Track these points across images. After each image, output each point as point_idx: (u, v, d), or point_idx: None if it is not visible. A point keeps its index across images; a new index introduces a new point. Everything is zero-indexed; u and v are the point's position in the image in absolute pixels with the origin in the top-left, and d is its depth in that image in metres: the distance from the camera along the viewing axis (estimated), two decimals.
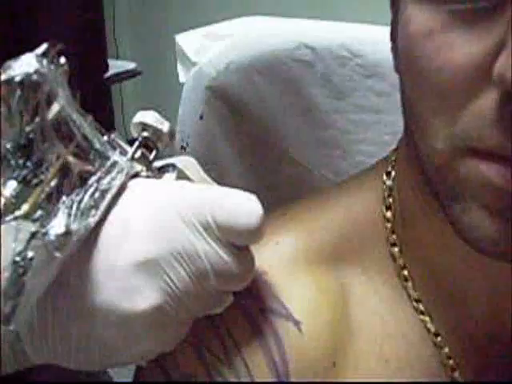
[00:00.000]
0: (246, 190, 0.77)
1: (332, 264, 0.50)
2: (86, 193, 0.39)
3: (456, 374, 0.49)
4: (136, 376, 0.48)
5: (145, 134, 0.46)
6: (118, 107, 2.41)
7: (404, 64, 0.42)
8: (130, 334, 0.41)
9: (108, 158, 0.41)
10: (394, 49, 0.45)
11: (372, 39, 0.75)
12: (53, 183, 0.38)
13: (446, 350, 0.49)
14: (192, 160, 0.49)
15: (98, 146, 0.40)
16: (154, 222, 0.41)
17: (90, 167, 0.39)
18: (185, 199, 0.42)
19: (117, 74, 2.19)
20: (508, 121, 0.36)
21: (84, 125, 0.39)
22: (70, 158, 0.38)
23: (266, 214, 0.52)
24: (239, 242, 0.42)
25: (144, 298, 0.40)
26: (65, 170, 0.38)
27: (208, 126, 0.80)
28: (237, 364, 0.45)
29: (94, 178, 0.40)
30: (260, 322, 0.46)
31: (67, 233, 0.37)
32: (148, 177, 0.46)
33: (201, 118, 0.80)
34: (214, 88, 0.79)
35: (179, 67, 0.81)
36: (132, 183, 0.44)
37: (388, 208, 0.51)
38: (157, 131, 0.46)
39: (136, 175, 0.45)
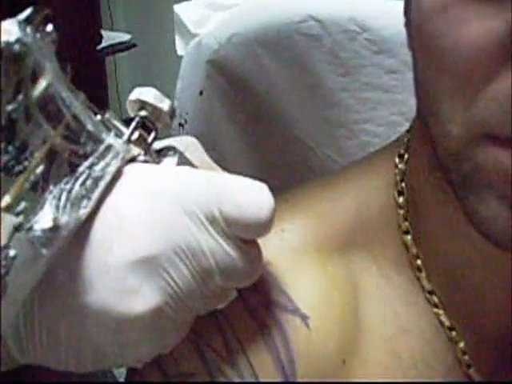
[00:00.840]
0: (247, 169, 0.78)
1: (342, 253, 0.47)
2: (76, 181, 0.34)
3: (471, 370, 0.47)
4: (130, 373, 0.45)
5: (143, 113, 0.41)
6: (112, 83, 2.36)
7: (417, 41, 0.40)
8: (126, 338, 0.38)
9: (102, 141, 0.37)
10: (408, 25, 0.43)
11: (383, 13, 0.72)
12: (38, 170, 0.33)
13: (462, 344, 0.46)
14: (194, 141, 0.45)
15: (90, 127, 0.36)
16: (153, 215, 0.37)
17: (81, 152, 0.34)
18: (188, 188, 0.38)
19: (111, 46, 2.13)
20: None
21: (75, 103, 0.34)
22: (59, 142, 0.33)
23: None
24: (247, 236, 0.39)
25: (141, 300, 0.37)
26: (52, 156, 0.34)
27: (208, 102, 0.78)
28: (240, 362, 0.42)
29: (85, 164, 0.35)
30: (265, 316, 0.43)
31: (55, 227, 0.33)
32: (146, 161, 0.41)
33: (200, 93, 0.78)
34: (215, 62, 0.77)
35: (177, 39, 0.78)
36: (128, 169, 0.39)
37: (400, 193, 0.48)
38: (156, 110, 0.41)
39: (133, 160, 0.40)
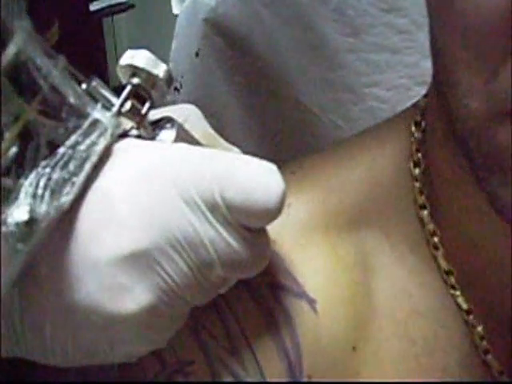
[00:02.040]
0: (246, 137, 0.75)
1: (352, 230, 0.44)
2: (56, 164, 0.29)
3: (489, 357, 0.44)
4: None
5: (135, 80, 0.36)
6: (110, 45, 2.32)
7: (435, 1, 0.37)
8: (117, 337, 0.34)
9: (86, 116, 0.31)
10: None
11: None
12: (11, 153, 0.28)
13: (479, 329, 0.44)
14: (195, 110, 0.40)
15: (72, 99, 0.30)
16: (146, 202, 0.33)
17: (61, 129, 0.29)
18: (186, 171, 0.34)
19: (108, 7, 2.11)
20: None
21: (53, 72, 0.29)
22: (34, 118, 0.28)
23: None
24: (253, 225, 0.35)
25: (133, 298, 0.33)
26: (27, 135, 0.29)
27: (205, 63, 0.74)
28: (241, 350, 0.40)
29: (67, 144, 0.30)
30: (268, 300, 0.41)
31: (32, 220, 0.28)
32: (140, 136, 0.36)
33: (196, 54, 0.75)
34: (212, 20, 0.73)
35: None
36: (119, 147, 0.35)
37: (416, 165, 0.45)
38: (151, 77, 0.36)
39: (124, 134, 0.36)
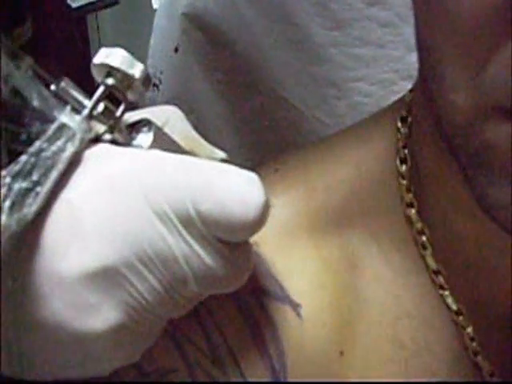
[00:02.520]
0: (227, 134, 0.73)
1: (337, 231, 0.43)
2: (18, 173, 0.27)
3: (479, 359, 0.43)
4: None
5: (110, 81, 0.34)
6: (95, 42, 2.32)
7: None
8: (85, 354, 0.33)
9: (52, 120, 0.29)
10: None
11: None
12: None
13: (469, 330, 0.43)
14: (176, 111, 0.38)
15: (36, 102, 0.28)
16: (116, 215, 0.31)
17: (23, 135, 0.27)
18: (158, 182, 0.32)
19: (91, 4, 2.06)
20: None
21: (14, 73, 0.26)
22: None
23: (254, 169, 0.45)
24: (231, 239, 0.33)
25: (101, 316, 0.31)
26: None
27: (184, 59, 0.73)
28: (224, 358, 0.38)
29: (31, 151, 0.27)
30: (251, 306, 0.39)
31: None
32: (114, 141, 0.34)
33: (176, 50, 0.73)
34: (191, 15, 0.72)
35: None
36: (89, 154, 0.33)
37: (403, 161, 0.44)
38: (126, 77, 0.34)
39: (97, 139, 0.33)
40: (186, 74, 0.73)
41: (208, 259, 0.32)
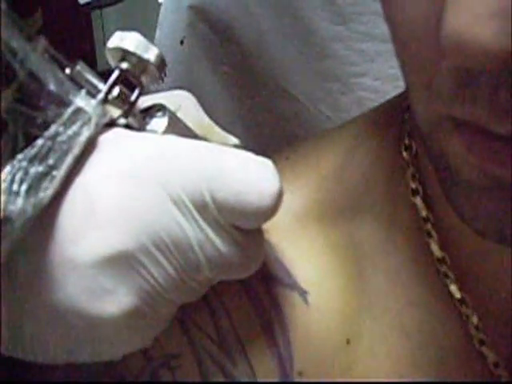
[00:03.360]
0: (233, 126, 0.72)
1: (347, 218, 0.42)
2: (34, 157, 0.26)
3: (484, 348, 0.43)
4: None
5: (124, 65, 0.33)
6: (99, 38, 2.30)
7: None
8: (99, 338, 0.32)
9: (68, 104, 0.28)
10: None
11: None
12: None
13: (474, 319, 0.42)
14: (189, 96, 0.38)
15: (52, 86, 0.27)
16: (132, 200, 0.31)
17: (39, 119, 0.26)
18: (174, 169, 0.31)
19: (96, 1, 2.07)
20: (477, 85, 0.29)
21: (31, 56, 0.26)
22: (10, 107, 0.25)
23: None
24: (246, 226, 0.33)
25: (115, 301, 0.31)
26: (2, 125, 0.26)
27: (190, 52, 0.72)
28: (231, 344, 0.38)
29: (47, 134, 0.27)
30: (259, 292, 0.39)
31: (5, 219, 0.24)
32: (128, 126, 0.33)
33: (181, 43, 0.72)
34: (198, 7, 0.70)
35: None
36: (104, 138, 0.32)
37: (407, 148, 0.43)
38: (141, 61, 0.33)
39: (112, 123, 0.33)
40: (191, 67, 0.72)
41: (222, 246, 0.32)
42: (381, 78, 0.69)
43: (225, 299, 0.38)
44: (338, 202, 0.43)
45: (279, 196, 0.32)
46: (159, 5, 0.74)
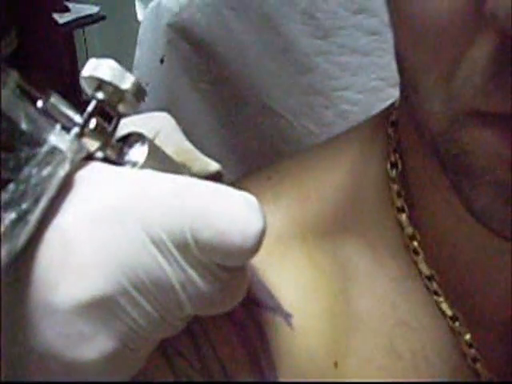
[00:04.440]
0: (216, 145, 0.71)
1: (330, 238, 0.41)
2: (8, 203, 0.24)
3: (478, 365, 0.42)
4: None
5: (100, 95, 0.31)
6: (82, 58, 2.29)
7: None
8: (79, 379, 0.31)
9: (42, 143, 0.26)
10: None
11: None
12: None
13: (467, 336, 0.41)
14: (168, 119, 0.36)
15: (24, 125, 0.25)
16: (110, 242, 0.29)
17: (11, 162, 0.24)
18: (154, 208, 0.30)
19: (79, 19, 2.08)
20: (508, 73, 0.29)
21: (1, 93, 0.24)
22: None
23: (245, 177, 0.44)
24: (228, 264, 0.31)
25: (95, 346, 0.30)
26: None
27: (170, 71, 0.71)
28: (213, 371, 0.37)
29: (20, 178, 0.25)
30: (241, 316, 0.38)
31: None
32: (106, 159, 0.32)
33: (161, 61, 0.72)
34: (177, 25, 0.70)
35: (137, 3, 0.70)
36: (80, 176, 0.30)
37: (393, 166, 0.42)
38: (117, 90, 0.31)
39: (89, 157, 0.31)
40: (172, 85, 0.71)
41: (204, 285, 0.31)
42: (364, 90, 0.69)
43: (207, 325, 0.37)
44: (322, 222, 0.42)
45: (262, 235, 0.31)
46: (139, 23, 0.73)
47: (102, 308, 0.29)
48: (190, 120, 0.70)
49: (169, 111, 0.60)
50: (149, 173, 0.31)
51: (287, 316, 0.38)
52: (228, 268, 0.31)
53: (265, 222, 0.31)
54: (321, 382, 0.39)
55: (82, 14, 2.06)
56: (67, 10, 1.69)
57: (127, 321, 0.30)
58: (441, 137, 0.34)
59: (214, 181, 0.34)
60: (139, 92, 0.32)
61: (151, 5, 0.70)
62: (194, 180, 0.32)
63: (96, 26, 2.27)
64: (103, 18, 2.16)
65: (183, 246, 0.29)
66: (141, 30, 0.72)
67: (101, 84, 0.31)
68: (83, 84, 0.32)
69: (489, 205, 0.33)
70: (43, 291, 0.29)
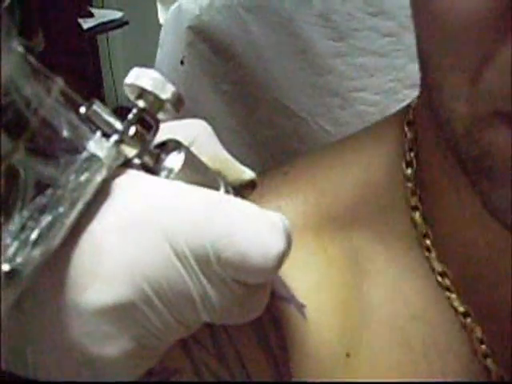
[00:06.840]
0: (234, 144, 0.70)
1: (345, 232, 0.42)
2: (45, 206, 0.24)
3: (488, 362, 0.42)
4: None
5: (141, 103, 0.31)
6: (106, 62, 2.26)
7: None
8: (97, 374, 0.32)
9: (81, 150, 0.26)
10: None
11: None
12: None
13: (478, 332, 0.41)
14: (205, 127, 0.36)
15: (66, 132, 0.26)
16: (136, 252, 0.30)
17: (51, 168, 0.24)
18: (181, 220, 0.30)
19: (102, 24, 2.07)
20: None
21: (45, 101, 0.24)
22: (20, 158, 0.23)
23: (263, 173, 0.43)
24: (248, 282, 0.31)
25: (117, 344, 0.31)
26: (12, 177, 0.24)
27: (190, 72, 0.70)
28: (229, 358, 0.37)
29: (58, 183, 0.25)
30: None
31: (13, 271, 0.23)
32: (143, 166, 0.32)
33: (182, 63, 0.70)
34: (197, 28, 0.69)
35: (159, 7, 0.69)
36: (117, 184, 0.30)
37: (409, 165, 0.42)
38: (158, 100, 0.32)
39: (127, 163, 0.31)
40: (192, 87, 0.70)
41: (222, 300, 0.31)
42: (380, 92, 0.68)
43: None
44: (337, 216, 0.42)
45: (283, 256, 0.31)
46: (160, 26, 0.72)
47: (125, 312, 0.30)
48: (209, 120, 0.70)
49: (189, 110, 0.61)
50: (182, 186, 0.32)
51: (301, 306, 0.38)
52: (248, 284, 0.31)
53: (288, 242, 0.31)
54: (324, 382, 0.39)
55: (106, 19, 2.06)
56: (91, 15, 1.68)
57: (147, 325, 0.30)
58: (463, 137, 0.34)
59: (249, 189, 0.34)
60: (178, 102, 0.32)
61: (172, 8, 0.70)
62: (226, 197, 0.32)
63: (119, 30, 2.26)
64: (126, 23, 2.17)
65: (205, 262, 0.30)
66: (162, 33, 0.72)
67: (142, 93, 0.31)
68: (126, 89, 0.32)
69: (506, 205, 0.33)
70: (73, 293, 0.29)
